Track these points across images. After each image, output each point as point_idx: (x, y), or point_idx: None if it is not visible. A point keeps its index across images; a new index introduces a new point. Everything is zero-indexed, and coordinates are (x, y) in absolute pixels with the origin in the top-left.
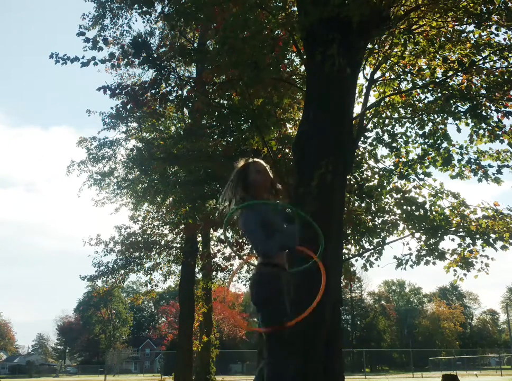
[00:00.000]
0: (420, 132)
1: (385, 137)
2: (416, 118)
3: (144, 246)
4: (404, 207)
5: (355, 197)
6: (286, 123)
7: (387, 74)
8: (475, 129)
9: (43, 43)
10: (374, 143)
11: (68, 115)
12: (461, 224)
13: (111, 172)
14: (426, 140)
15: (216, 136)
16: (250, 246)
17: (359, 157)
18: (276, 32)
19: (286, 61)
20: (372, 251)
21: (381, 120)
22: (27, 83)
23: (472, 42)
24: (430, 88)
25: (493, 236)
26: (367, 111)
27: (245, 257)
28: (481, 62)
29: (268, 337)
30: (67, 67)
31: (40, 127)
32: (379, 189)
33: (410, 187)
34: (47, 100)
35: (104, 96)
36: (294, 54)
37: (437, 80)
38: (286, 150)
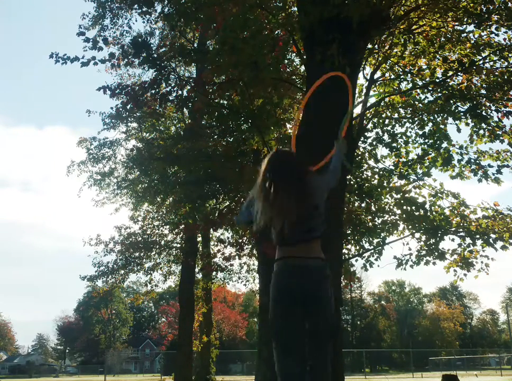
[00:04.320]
0: (420, 132)
1: (385, 137)
2: (416, 118)
3: (144, 246)
4: (404, 207)
5: (355, 197)
6: (286, 123)
7: (387, 75)
8: (475, 129)
9: (40, 42)
10: (374, 143)
11: (63, 114)
12: (461, 224)
13: (111, 172)
14: (426, 140)
15: (216, 136)
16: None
17: (359, 157)
18: (276, 32)
19: (286, 61)
20: (372, 251)
21: (381, 121)
22: (22, 83)
23: (472, 42)
24: (430, 88)
25: (493, 236)
26: (367, 111)
27: None
28: (481, 62)
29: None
30: (63, 67)
31: (35, 127)
32: (379, 189)
33: (410, 187)
34: (42, 99)
35: (100, 96)
36: (294, 54)
37: (437, 80)
38: None
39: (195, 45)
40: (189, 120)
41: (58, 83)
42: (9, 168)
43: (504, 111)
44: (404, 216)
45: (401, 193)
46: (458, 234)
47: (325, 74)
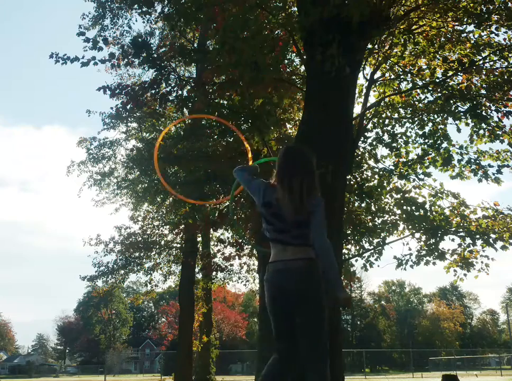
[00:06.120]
0: (420, 132)
1: (385, 137)
2: (416, 118)
3: (144, 246)
4: (404, 207)
5: (355, 197)
6: (286, 123)
7: (387, 75)
8: (475, 129)
9: (40, 42)
10: (374, 143)
11: (61, 114)
12: (461, 224)
13: (111, 172)
14: (426, 140)
15: (216, 136)
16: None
17: (359, 157)
18: (276, 32)
19: (286, 61)
20: (372, 251)
21: (381, 121)
22: (20, 82)
23: (472, 42)
24: (430, 88)
25: (493, 236)
26: (367, 111)
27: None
28: (481, 62)
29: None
30: (62, 67)
31: (33, 126)
32: (379, 189)
33: (410, 187)
34: (40, 99)
35: (99, 96)
36: (294, 54)
37: (437, 80)
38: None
39: (195, 45)
40: (189, 120)
41: (56, 83)
42: (7, 167)
43: (504, 111)
44: (404, 216)
45: (401, 193)
46: (458, 234)
47: (325, 74)
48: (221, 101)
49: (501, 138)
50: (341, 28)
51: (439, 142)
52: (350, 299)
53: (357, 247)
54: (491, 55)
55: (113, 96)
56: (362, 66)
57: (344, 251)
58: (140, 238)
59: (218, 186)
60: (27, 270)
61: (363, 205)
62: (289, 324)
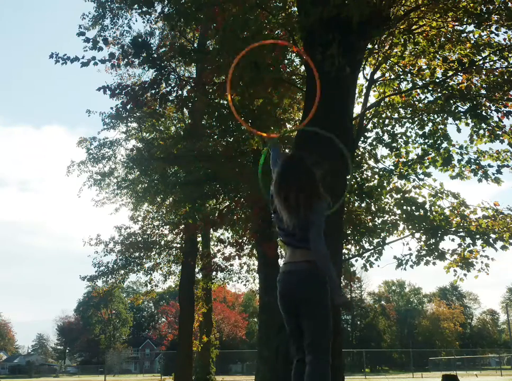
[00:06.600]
0: (420, 132)
1: (385, 137)
2: (416, 118)
3: (144, 246)
4: (404, 207)
5: (355, 197)
6: (286, 123)
7: (387, 75)
8: (475, 129)
9: (39, 42)
10: (374, 143)
11: (60, 114)
12: (461, 224)
13: (111, 172)
14: (426, 140)
15: (216, 136)
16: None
17: (359, 157)
18: (276, 32)
19: (286, 61)
20: (372, 251)
21: (381, 121)
22: (19, 82)
23: (472, 42)
24: (430, 88)
25: (493, 236)
26: (367, 111)
27: None
28: (481, 62)
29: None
30: (61, 66)
31: (32, 126)
32: (379, 189)
33: (410, 187)
34: (39, 99)
35: (98, 96)
36: (294, 54)
37: (437, 80)
38: (286, 150)
39: (195, 45)
40: (189, 120)
41: (56, 83)
42: (7, 167)
43: (504, 111)
44: (404, 216)
45: (401, 193)
46: (458, 234)
47: (325, 74)
48: (221, 101)
49: (501, 138)
50: (341, 28)
51: (439, 142)
52: (348, 302)
53: (357, 247)
54: (491, 55)
55: (113, 96)
56: (362, 66)
57: (344, 251)
58: (140, 238)
59: (218, 185)
60: (27, 270)
61: (363, 205)
62: (299, 325)
